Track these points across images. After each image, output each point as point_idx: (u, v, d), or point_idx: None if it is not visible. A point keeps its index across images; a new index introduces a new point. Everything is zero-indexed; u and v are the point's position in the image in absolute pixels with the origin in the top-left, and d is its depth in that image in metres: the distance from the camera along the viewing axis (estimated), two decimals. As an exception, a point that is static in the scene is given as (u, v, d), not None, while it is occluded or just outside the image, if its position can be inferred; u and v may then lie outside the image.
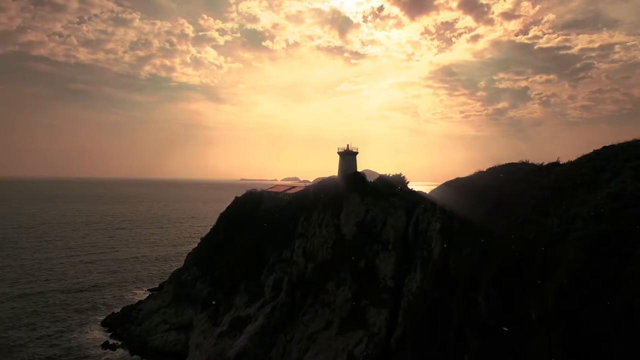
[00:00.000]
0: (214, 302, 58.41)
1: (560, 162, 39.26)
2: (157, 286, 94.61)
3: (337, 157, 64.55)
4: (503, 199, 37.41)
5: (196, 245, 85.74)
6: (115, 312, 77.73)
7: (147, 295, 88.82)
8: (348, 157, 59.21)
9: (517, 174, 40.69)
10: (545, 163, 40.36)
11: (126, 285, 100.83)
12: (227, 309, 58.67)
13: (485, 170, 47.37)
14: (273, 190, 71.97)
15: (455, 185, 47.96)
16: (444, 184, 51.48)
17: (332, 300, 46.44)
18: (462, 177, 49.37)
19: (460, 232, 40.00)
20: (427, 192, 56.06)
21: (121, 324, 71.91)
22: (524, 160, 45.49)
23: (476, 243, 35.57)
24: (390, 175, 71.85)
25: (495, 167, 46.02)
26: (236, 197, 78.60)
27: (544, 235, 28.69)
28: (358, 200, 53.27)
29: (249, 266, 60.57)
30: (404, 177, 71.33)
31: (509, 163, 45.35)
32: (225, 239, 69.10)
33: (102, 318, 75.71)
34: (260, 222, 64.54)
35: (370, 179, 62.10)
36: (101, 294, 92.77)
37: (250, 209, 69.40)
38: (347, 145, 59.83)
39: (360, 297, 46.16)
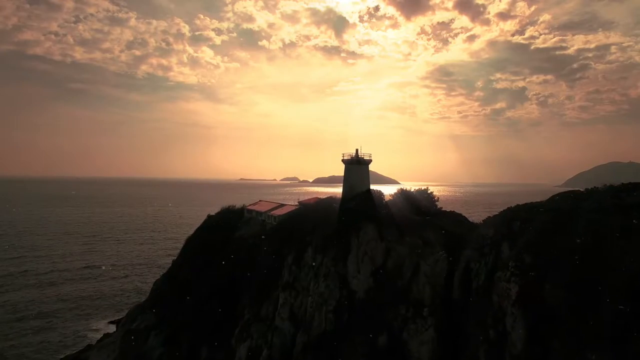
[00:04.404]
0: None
1: None
2: (121, 318, 77.79)
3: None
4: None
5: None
6: (56, 362, 60.60)
7: (108, 328, 73.01)
8: (357, 167, 40.93)
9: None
10: None
11: (87, 315, 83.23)
12: (182, 387, 40.58)
13: (584, 191, 29.20)
14: (255, 208, 53.93)
15: (531, 217, 29.63)
16: (507, 211, 33.09)
17: (334, 410, 28.26)
18: (542, 203, 31.06)
19: (572, 311, 22.08)
20: (480, 221, 37.75)
21: (55, 384, 54.48)
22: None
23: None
24: (413, 190, 53.60)
25: (607, 189, 27.80)
26: (209, 216, 60.46)
27: None
28: (374, 234, 35.05)
29: (214, 322, 42.47)
30: (430, 192, 53.05)
31: (634, 183, 27.16)
32: (188, 276, 50.94)
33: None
34: (235, 255, 46.41)
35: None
36: (50, 328, 75.49)
37: (223, 235, 51.28)
38: (357, 150, 41.51)
39: (382, 405, 28.04)
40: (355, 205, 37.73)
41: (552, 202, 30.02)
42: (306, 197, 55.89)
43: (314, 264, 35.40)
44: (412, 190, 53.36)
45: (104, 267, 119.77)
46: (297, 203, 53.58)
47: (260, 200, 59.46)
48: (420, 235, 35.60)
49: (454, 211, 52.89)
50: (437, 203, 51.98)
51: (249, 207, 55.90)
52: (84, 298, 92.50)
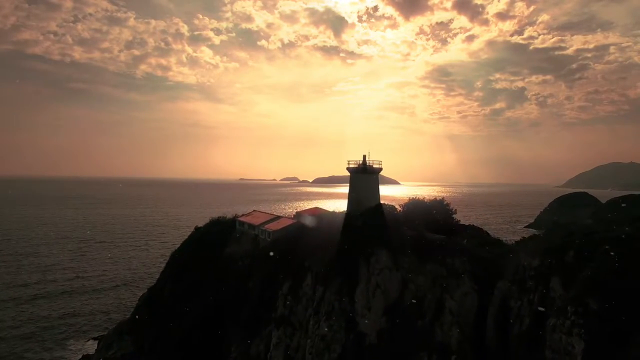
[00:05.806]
0: None
1: None
2: (102, 335, 71.47)
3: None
4: None
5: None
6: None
7: (90, 347, 66.76)
8: (365, 177, 34.45)
9: None
10: None
11: (75, 333, 76.28)
12: None
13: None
14: (248, 220, 47.51)
15: (591, 246, 23.32)
16: (554, 235, 26.74)
17: None
18: (603, 227, 24.74)
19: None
20: (519, 240, 31.27)
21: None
22: None
23: None
24: (426, 200, 47.28)
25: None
26: (196, 228, 54.01)
27: None
28: (388, 261, 28.66)
29: (197, 357, 36.10)
30: (447, 203, 46.69)
31: None
32: (170, 300, 44.52)
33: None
34: (222, 279, 39.98)
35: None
36: (32, 348, 68.80)
37: (210, 253, 44.84)
38: (364, 156, 34.95)
39: None
40: (364, 224, 31.31)
41: (618, 228, 23.65)
42: (305, 208, 49.46)
43: (314, 296, 29.02)
44: (425, 200, 47.11)
45: (94, 277, 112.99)
46: (294, 215, 47.24)
47: (254, 211, 52.96)
48: (443, 261, 29.26)
49: (473, 225, 46.71)
50: (454, 215, 45.89)
51: (241, 219, 49.44)
52: (72, 312, 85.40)
